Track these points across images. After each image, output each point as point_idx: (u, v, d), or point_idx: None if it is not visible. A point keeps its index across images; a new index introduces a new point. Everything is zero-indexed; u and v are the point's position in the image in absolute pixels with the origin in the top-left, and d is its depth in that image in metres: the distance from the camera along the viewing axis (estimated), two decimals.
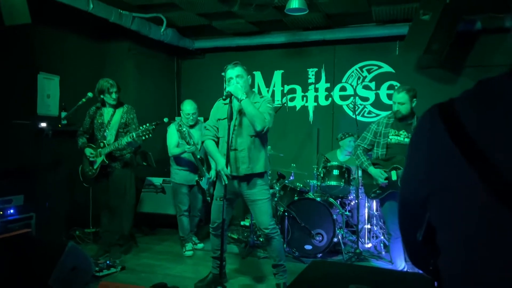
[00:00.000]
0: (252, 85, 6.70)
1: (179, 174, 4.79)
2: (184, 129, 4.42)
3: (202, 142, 3.75)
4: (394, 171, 3.54)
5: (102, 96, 4.29)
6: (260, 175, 3.45)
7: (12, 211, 4.12)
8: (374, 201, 4.99)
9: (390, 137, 3.64)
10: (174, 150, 4.71)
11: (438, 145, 0.91)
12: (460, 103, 0.91)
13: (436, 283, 0.94)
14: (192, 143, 4.46)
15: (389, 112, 3.84)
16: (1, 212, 4.09)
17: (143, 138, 4.04)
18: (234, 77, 3.42)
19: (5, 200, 4.13)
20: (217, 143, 3.54)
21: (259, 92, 6.62)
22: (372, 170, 3.66)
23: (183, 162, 4.76)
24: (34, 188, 4.48)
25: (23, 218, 4.18)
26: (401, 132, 3.63)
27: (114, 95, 4.28)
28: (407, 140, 3.58)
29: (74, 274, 3.53)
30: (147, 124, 4.05)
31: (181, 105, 4.86)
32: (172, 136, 4.73)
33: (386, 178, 3.56)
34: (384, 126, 3.71)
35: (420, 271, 1.12)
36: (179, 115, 6.93)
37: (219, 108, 3.56)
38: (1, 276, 3.15)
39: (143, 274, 4.03)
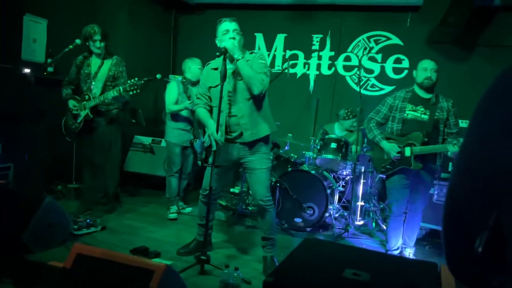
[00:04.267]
0: (252, 48, 6.39)
1: (174, 133, 4.57)
2: (187, 83, 4.32)
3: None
4: (409, 147, 3.39)
5: (87, 44, 3.98)
6: (265, 139, 3.22)
7: None
8: (370, 177, 4.83)
9: (406, 112, 3.46)
10: (172, 107, 4.48)
11: None
12: None
13: None
14: (192, 100, 4.28)
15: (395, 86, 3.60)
16: None
17: (131, 93, 3.77)
18: (231, 30, 3.08)
19: None
20: (210, 112, 3.25)
21: None
22: (385, 144, 3.49)
23: (180, 120, 4.54)
24: (14, 138, 4.22)
25: (0, 169, 3.95)
26: (418, 107, 3.45)
27: (98, 43, 3.97)
28: (424, 116, 3.41)
29: (51, 231, 3.34)
30: (136, 79, 3.77)
31: (187, 62, 4.58)
32: (172, 92, 4.51)
33: (399, 153, 3.41)
34: (401, 100, 3.51)
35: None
36: (173, 72, 6.59)
37: (209, 75, 3.24)
38: None
39: (124, 236, 3.86)
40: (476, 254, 0.66)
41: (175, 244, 3.69)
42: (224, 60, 3.01)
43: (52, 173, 4.90)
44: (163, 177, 4.90)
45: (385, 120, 3.61)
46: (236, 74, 3.08)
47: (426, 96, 3.46)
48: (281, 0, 5.90)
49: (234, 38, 3.05)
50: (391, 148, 3.45)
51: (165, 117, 4.67)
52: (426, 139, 3.36)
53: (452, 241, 0.80)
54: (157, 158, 5.48)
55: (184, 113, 4.49)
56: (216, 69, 3.18)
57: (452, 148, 3.21)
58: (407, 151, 3.40)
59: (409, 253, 3.64)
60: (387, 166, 3.51)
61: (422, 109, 3.44)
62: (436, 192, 4.22)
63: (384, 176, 3.67)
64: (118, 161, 4.54)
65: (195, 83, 4.52)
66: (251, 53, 3.21)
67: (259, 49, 6.34)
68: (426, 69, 3.41)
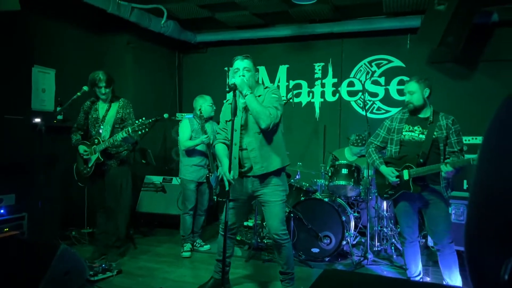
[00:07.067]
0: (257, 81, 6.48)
1: (189, 170, 4.58)
2: (202, 119, 4.43)
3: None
4: (406, 170, 3.25)
5: (94, 90, 4.08)
6: (277, 172, 3.19)
7: (2, 211, 3.90)
8: (385, 202, 4.74)
9: (403, 133, 3.33)
10: (187, 143, 4.51)
11: None
12: None
13: None
14: (208, 135, 4.41)
15: (401, 108, 3.57)
16: None
17: (139, 133, 3.80)
18: (241, 69, 3.17)
19: None
20: (228, 146, 3.29)
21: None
22: (383, 168, 3.37)
23: (195, 155, 4.57)
24: (26, 187, 4.27)
25: (14, 219, 3.97)
26: (415, 128, 3.31)
27: (103, 90, 4.05)
28: (422, 136, 3.26)
29: (67, 278, 3.32)
30: (143, 118, 3.82)
31: (198, 100, 4.64)
32: (185, 129, 4.57)
33: (397, 177, 3.28)
34: (398, 122, 3.40)
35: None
36: (179, 110, 6.70)
37: (226, 110, 3.34)
38: None
39: (140, 278, 3.81)
40: (503, 281, 0.64)
41: (192, 284, 3.63)
42: (234, 95, 3.09)
43: (65, 219, 4.91)
44: (176, 215, 4.87)
45: (384, 144, 3.49)
46: (248, 108, 3.13)
47: (424, 115, 3.32)
48: (280, 33, 6.02)
49: (243, 76, 3.13)
50: (388, 173, 3.33)
51: (176, 155, 4.68)
52: (421, 160, 3.20)
53: (476, 266, 0.77)
54: (169, 196, 5.47)
55: (200, 147, 4.53)
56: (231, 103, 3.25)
57: (444, 168, 3.04)
58: (405, 174, 3.25)
59: None
60: (389, 192, 3.38)
61: (420, 129, 3.29)
62: (453, 212, 4.12)
63: (389, 202, 3.53)
64: (129, 203, 4.54)
65: (207, 119, 4.62)
66: (265, 88, 3.27)
67: (262, 81, 6.42)
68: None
